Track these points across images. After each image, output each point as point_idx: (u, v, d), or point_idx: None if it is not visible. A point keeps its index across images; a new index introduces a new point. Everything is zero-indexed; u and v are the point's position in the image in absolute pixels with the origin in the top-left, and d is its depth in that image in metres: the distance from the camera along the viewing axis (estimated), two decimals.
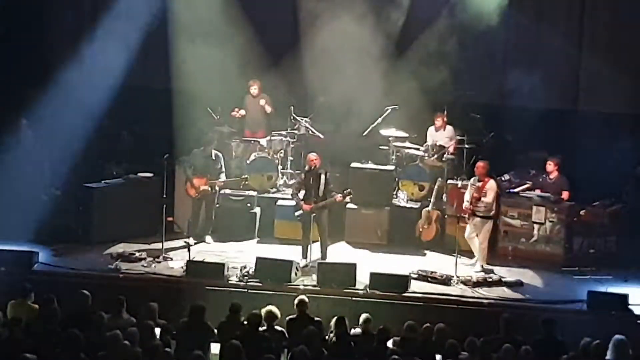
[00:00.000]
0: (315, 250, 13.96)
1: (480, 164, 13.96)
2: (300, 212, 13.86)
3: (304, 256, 13.83)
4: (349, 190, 13.94)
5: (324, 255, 13.94)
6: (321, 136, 16.04)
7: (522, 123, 16.39)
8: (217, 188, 14.73)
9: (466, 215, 13.82)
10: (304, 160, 15.48)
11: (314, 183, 13.87)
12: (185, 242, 13.74)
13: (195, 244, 14.17)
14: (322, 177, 13.87)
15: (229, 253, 14.35)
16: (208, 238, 14.84)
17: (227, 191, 15.32)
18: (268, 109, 16.12)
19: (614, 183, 15.27)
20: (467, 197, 13.88)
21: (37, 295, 11.50)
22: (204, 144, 14.73)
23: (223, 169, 14.77)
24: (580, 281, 13.69)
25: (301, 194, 14.00)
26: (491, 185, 13.74)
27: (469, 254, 14.05)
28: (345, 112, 16.26)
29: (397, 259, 14.43)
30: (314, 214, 13.79)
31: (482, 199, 13.64)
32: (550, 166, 14.66)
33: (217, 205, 15.20)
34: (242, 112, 16.20)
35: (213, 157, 14.70)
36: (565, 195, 14.51)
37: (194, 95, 16.16)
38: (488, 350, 10.23)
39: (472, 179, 14.03)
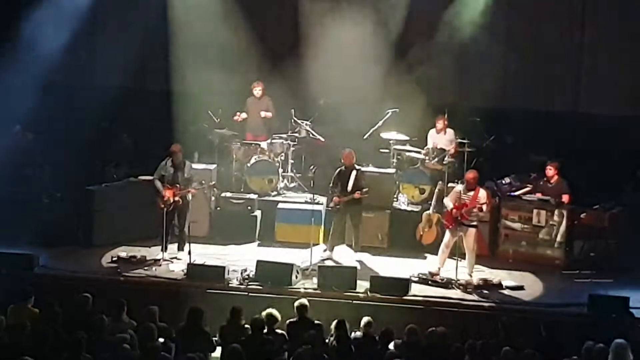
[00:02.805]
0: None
1: (470, 174, 13.57)
2: (331, 204, 14.38)
3: (330, 249, 14.29)
4: (366, 189, 14.02)
5: (356, 246, 14.33)
6: (322, 139, 16.08)
7: (523, 126, 16.41)
8: (189, 197, 14.02)
9: (449, 224, 13.69)
10: (305, 163, 15.55)
11: (344, 178, 14.18)
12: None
13: (168, 258, 13.90)
14: (353, 173, 14.15)
15: (229, 256, 14.32)
16: (180, 254, 14.07)
17: (228, 194, 15.31)
18: (268, 114, 16.10)
19: (614, 186, 15.27)
20: (449, 204, 13.49)
21: (37, 299, 11.49)
22: (171, 153, 13.96)
23: (193, 179, 14.08)
24: (581, 284, 13.69)
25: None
26: (483, 194, 13.46)
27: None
28: (346, 114, 16.29)
29: (398, 262, 14.42)
30: (340, 207, 14.18)
31: (481, 209, 13.33)
32: (551, 171, 14.59)
33: (218, 209, 15.21)
34: (244, 115, 16.17)
35: (182, 167, 13.97)
36: (565, 198, 14.48)
37: (195, 98, 16.18)
38: (488, 354, 10.23)
39: (460, 186, 13.75)
